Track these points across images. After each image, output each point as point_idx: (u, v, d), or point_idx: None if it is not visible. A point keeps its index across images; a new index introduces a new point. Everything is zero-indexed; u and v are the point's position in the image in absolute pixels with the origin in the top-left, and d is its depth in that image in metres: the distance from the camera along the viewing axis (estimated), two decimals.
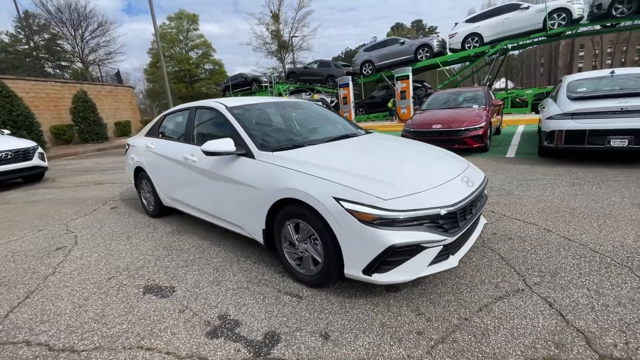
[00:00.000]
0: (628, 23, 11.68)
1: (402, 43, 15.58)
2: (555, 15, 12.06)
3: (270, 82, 20.54)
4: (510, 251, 2.58)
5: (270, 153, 2.41)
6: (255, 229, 2.54)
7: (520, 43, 13.55)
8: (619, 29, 13.04)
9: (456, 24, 14.74)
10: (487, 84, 14.65)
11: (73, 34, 27.51)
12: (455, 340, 1.68)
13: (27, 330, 2.01)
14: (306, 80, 19.63)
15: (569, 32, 12.67)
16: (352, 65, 17.69)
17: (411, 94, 12.97)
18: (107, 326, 1.99)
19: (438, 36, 15.78)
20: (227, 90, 23.07)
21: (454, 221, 1.96)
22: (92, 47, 29.18)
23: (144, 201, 4.17)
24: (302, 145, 2.58)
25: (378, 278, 1.88)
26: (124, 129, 18.87)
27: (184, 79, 38.20)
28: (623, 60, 64.89)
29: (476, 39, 13.70)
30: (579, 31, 12.78)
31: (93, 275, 2.66)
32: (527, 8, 12.67)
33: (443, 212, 1.88)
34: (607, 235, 2.72)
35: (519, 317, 1.81)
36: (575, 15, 11.82)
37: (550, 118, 5.30)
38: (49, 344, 1.87)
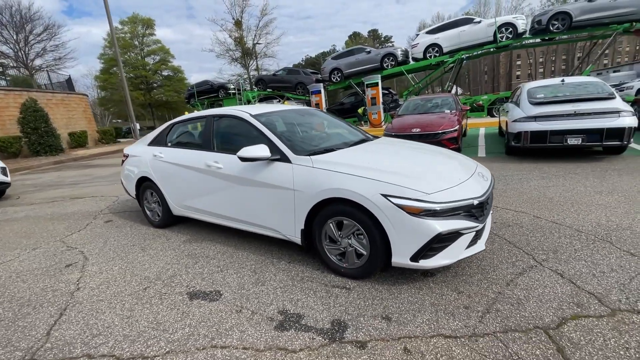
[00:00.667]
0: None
1: (369, 52, 16.36)
2: (503, 29, 13.49)
3: (239, 90, 20.30)
4: (513, 236, 2.98)
5: (308, 157, 2.58)
6: (291, 230, 2.67)
7: (475, 53, 14.88)
8: (555, 42, 14.92)
9: (417, 34, 15.82)
10: (449, 90, 15.86)
11: (15, 38, 24.89)
12: (498, 309, 1.97)
13: (81, 344, 1.97)
14: (275, 87, 19.72)
15: (515, 44, 14.20)
16: (320, 72, 18.15)
17: (381, 100, 13.64)
18: (168, 332, 2.02)
19: (401, 46, 16.75)
20: (191, 97, 22.38)
21: (481, 210, 2.28)
22: (38, 52, 26.60)
23: (148, 212, 4.06)
24: (333, 150, 2.78)
25: (424, 263, 2.13)
26: (79, 140, 17.49)
27: (140, 85, 36.19)
28: (553, 68, 73.39)
29: (436, 49, 14.81)
30: (523, 43, 14.38)
31: (125, 288, 2.61)
32: (479, 22, 14.02)
33: (476, 202, 2.19)
34: (584, 218, 3.23)
35: (541, 287, 2.16)
36: (520, 30, 13.32)
37: (516, 121, 6.00)
38: (114, 354, 1.86)
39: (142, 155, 3.93)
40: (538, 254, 2.60)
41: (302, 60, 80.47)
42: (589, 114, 5.31)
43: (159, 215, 3.93)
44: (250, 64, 30.72)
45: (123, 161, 4.36)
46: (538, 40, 14.08)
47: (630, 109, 5.28)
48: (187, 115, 3.72)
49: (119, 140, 22.29)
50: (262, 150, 2.63)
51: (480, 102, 14.93)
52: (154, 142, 3.90)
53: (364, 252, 2.33)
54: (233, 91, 20.96)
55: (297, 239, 2.67)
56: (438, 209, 2.07)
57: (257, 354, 1.77)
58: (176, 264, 2.96)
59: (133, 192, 4.16)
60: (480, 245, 2.30)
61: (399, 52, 15.73)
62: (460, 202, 2.13)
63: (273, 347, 1.81)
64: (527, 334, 1.75)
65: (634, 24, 11.64)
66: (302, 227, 2.58)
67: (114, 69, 34.06)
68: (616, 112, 5.21)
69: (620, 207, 3.42)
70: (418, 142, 3.52)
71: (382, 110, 13.69)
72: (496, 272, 2.39)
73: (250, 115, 3.02)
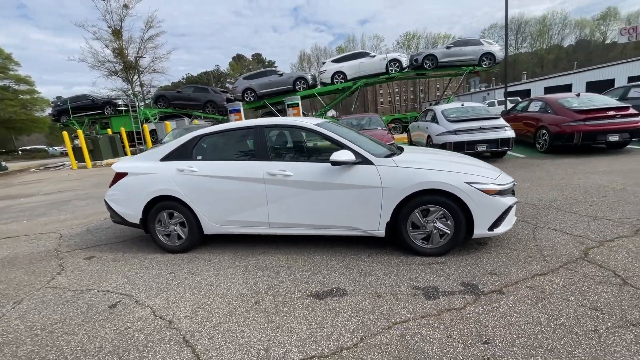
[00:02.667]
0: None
1: (281, 74, 17.22)
2: (392, 63, 16.55)
3: (133, 106, 17.83)
4: None
5: (390, 159, 3.01)
6: (374, 225, 3.01)
7: (372, 81, 17.60)
8: (427, 76, 19.15)
9: (323, 63, 17.65)
10: (353, 111, 18.09)
11: None
12: (548, 254, 2.84)
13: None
14: (180, 105, 18.25)
15: (400, 76, 17.57)
16: (232, 92, 17.90)
17: None
18: (339, 326, 2.09)
19: (310, 71, 18.27)
20: (62, 114, 18.33)
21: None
22: None
23: (162, 237, 3.54)
24: (396, 154, 3.27)
25: (497, 231, 2.87)
26: None
27: None
28: (405, 97, 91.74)
29: (342, 75, 16.86)
30: (406, 76, 17.91)
31: (230, 307, 2.40)
32: (374, 56, 16.79)
33: (515, 183, 3.08)
34: (528, 197, 4.65)
35: (554, 238, 3.17)
36: (404, 65, 16.64)
37: (440, 134, 7.74)
38: (313, 355, 1.85)
39: (158, 171, 3.46)
40: (529, 220, 3.71)
41: (183, 79, 75.81)
42: (489, 128, 7.39)
43: (180, 238, 3.51)
44: (134, 79, 27.08)
45: (112, 183, 3.67)
46: (415, 74, 17.81)
47: (508, 124, 7.62)
48: (219, 127, 3.51)
49: None
50: (348, 155, 2.91)
51: None
52: (173, 157, 3.50)
53: (448, 232, 2.90)
54: (123, 107, 18.27)
55: (380, 232, 3.02)
56: (503, 189, 2.86)
57: (436, 317, 2.10)
58: (256, 278, 2.84)
59: (137, 217, 3.55)
60: (515, 216, 3.21)
61: (309, 77, 17.15)
62: (510, 184, 2.98)
63: (443, 310, 2.17)
64: (577, 262, 2.65)
65: (475, 67, 16.26)
66: (388, 220, 2.97)
67: None
68: (503, 127, 7.43)
69: (538, 189, 5.04)
70: (435, 149, 4.36)
71: None
72: (519, 234, 3.33)
73: (315, 124, 3.23)
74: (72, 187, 9.60)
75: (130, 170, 3.59)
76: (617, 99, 8.73)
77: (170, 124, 14.54)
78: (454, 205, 2.82)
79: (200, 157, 3.46)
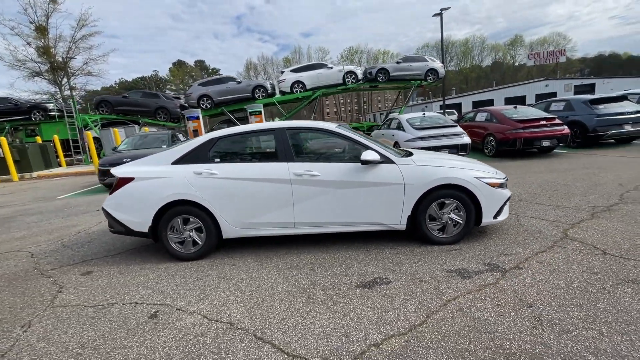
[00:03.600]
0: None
1: (239, 82, 16.93)
2: (348, 74, 17.39)
3: (69, 111, 15.89)
4: None
5: (409, 158, 3.31)
6: (396, 219, 3.27)
7: (330, 92, 18.24)
8: (379, 89, 20.42)
9: (282, 72, 17.84)
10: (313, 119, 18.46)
11: None
12: (538, 236, 3.37)
13: (352, 343, 1.94)
14: (126, 111, 16.78)
15: (355, 87, 18.51)
16: (186, 98, 17.06)
17: None
18: (400, 308, 2.27)
19: (269, 80, 18.25)
20: None
21: None
22: None
23: (175, 245, 3.36)
24: (408, 155, 3.59)
25: (499, 219, 3.33)
26: None
27: None
28: (350, 108, 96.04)
29: (301, 85, 17.19)
30: (360, 87, 18.92)
31: (291, 304, 2.43)
32: (331, 68, 17.47)
33: (507, 179, 3.61)
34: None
35: (537, 224, 3.76)
36: (360, 77, 17.59)
37: (408, 141, 8.42)
38: (392, 334, 2.00)
39: (171, 175, 3.29)
40: (510, 211, 4.31)
41: (115, 83, 69.84)
42: (450, 135, 8.26)
43: (196, 244, 3.37)
44: (63, 82, 23.97)
45: (116, 189, 3.38)
46: (369, 86, 18.92)
47: (465, 132, 8.60)
48: (236, 129, 3.47)
49: None
50: (374, 155, 3.14)
51: None
52: (187, 160, 3.36)
53: (461, 222, 3.28)
54: (55, 112, 16.21)
55: (401, 225, 3.29)
56: (502, 182, 3.34)
57: (480, 292, 2.41)
58: (295, 276, 2.89)
59: (145, 225, 3.32)
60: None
61: (268, 85, 17.15)
62: (505, 179, 3.49)
63: (482, 286, 2.48)
64: (563, 241, 3.21)
65: (422, 81, 17.89)
66: (409, 214, 3.25)
67: None
68: (461, 134, 8.37)
69: None
70: (434, 152, 4.80)
71: None
72: (507, 223, 3.87)
73: (336, 127, 3.41)
74: (6, 202, 8.26)
75: (138, 175, 3.35)
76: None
77: (118, 131, 13.29)
78: (466, 198, 3.22)
79: (218, 160, 3.39)
